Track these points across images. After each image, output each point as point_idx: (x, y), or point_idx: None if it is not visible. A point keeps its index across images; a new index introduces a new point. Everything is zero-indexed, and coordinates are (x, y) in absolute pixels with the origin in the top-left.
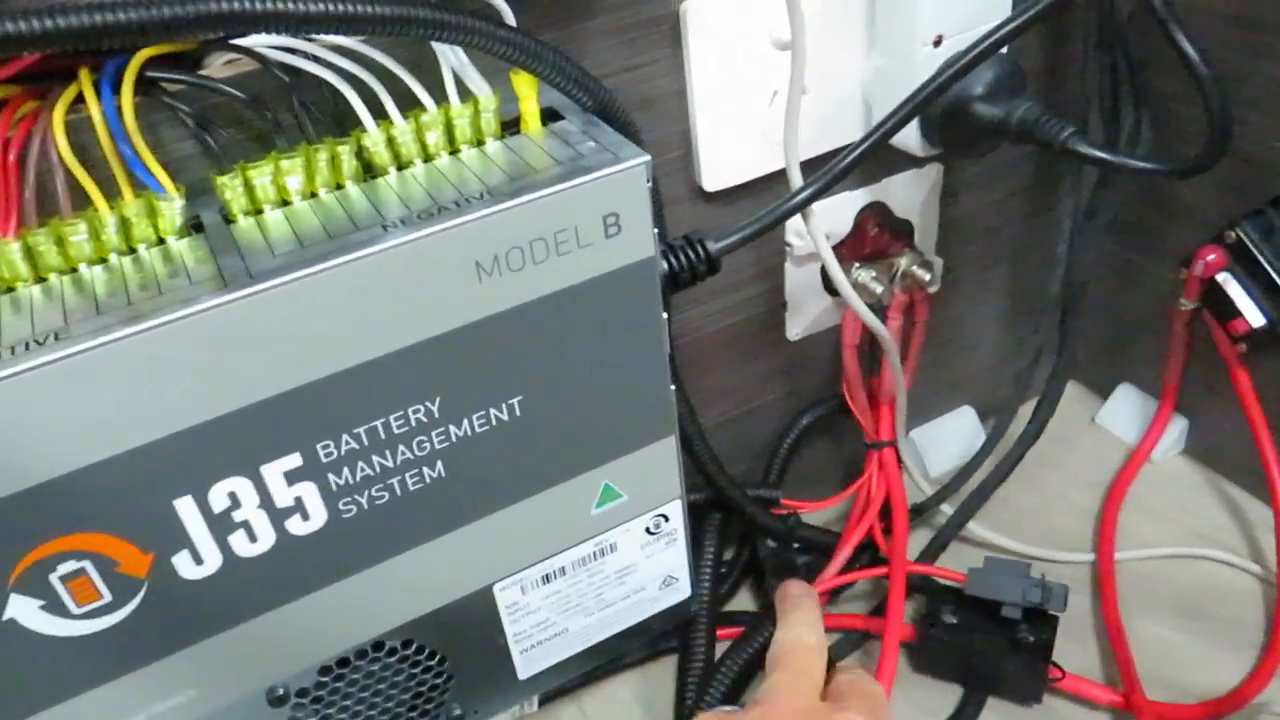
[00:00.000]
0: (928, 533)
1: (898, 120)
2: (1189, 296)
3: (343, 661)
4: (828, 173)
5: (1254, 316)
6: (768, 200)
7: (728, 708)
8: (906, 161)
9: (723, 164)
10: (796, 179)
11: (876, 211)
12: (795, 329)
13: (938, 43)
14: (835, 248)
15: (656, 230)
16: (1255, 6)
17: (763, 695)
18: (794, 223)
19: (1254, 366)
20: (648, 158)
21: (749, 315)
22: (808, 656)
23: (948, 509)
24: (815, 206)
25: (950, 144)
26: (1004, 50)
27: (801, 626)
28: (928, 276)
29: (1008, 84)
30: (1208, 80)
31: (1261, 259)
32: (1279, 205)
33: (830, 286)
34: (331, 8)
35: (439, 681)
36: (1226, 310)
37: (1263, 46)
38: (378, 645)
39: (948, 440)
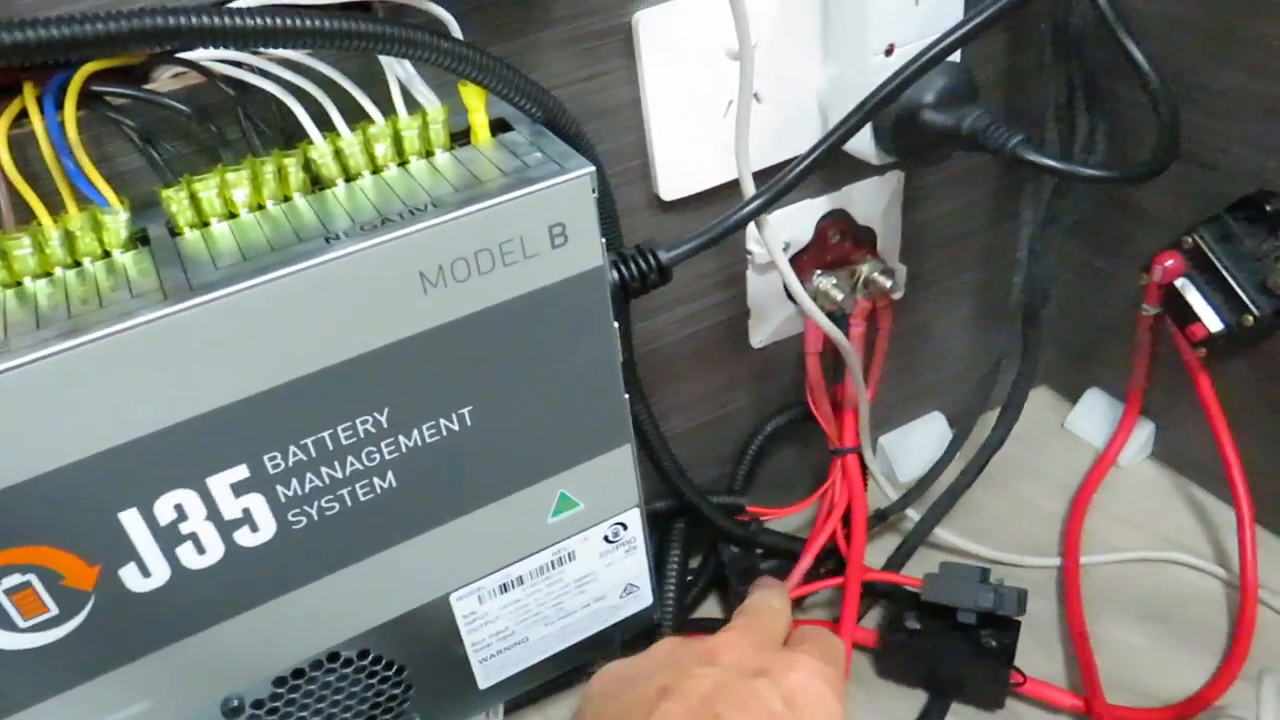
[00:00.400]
0: (895, 538)
1: (846, 130)
2: (1150, 302)
3: (298, 672)
4: (777, 183)
5: (1212, 322)
6: (726, 209)
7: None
8: (867, 169)
9: (679, 173)
10: (749, 188)
11: (838, 219)
12: (759, 337)
13: (889, 52)
14: (797, 255)
15: (607, 240)
16: (1212, 14)
17: (721, 631)
18: (754, 230)
19: (1215, 371)
20: (593, 168)
21: (712, 323)
22: (770, 613)
23: (914, 515)
24: (774, 215)
25: (904, 152)
26: (956, 60)
27: (768, 592)
28: (889, 284)
29: (959, 93)
30: (1157, 87)
31: (1219, 265)
32: (1236, 211)
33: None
34: (272, 22)
35: (398, 692)
36: (1186, 315)
37: (1219, 54)
38: (333, 656)
39: (918, 446)
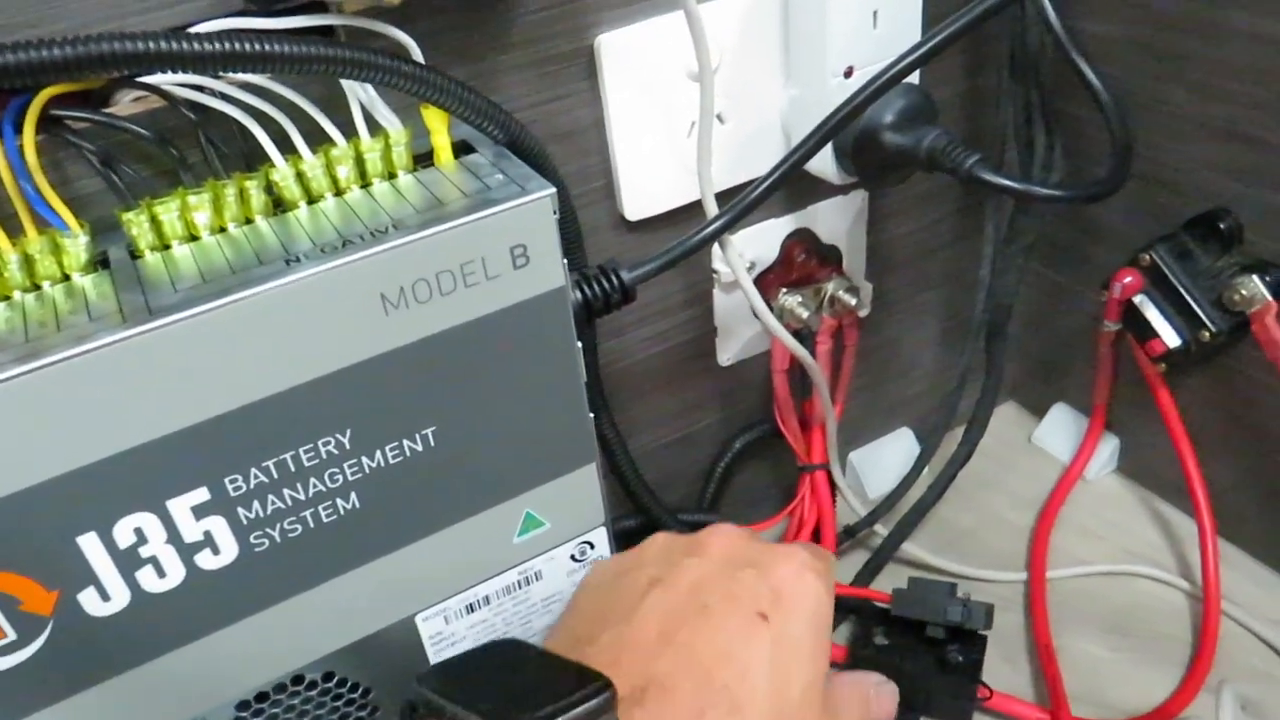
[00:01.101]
0: (865, 554)
1: (805, 150)
2: (1110, 318)
3: (261, 696)
4: (738, 204)
5: (1170, 338)
6: (692, 228)
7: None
8: (831, 189)
9: (644, 194)
10: (711, 208)
11: (804, 238)
12: (726, 354)
13: (849, 74)
14: (763, 274)
15: (570, 260)
16: (1164, 37)
17: (712, 526)
18: (720, 250)
19: (1176, 385)
20: (553, 190)
21: (680, 341)
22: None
23: (883, 530)
24: (739, 234)
25: (865, 172)
26: (915, 81)
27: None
28: (854, 301)
29: (917, 113)
30: (1110, 107)
31: (1175, 281)
32: (1192, 229)
33: None
34: (232, 47)
35: (364, 714)
36: (1144, 331)
37: (1173, 75)
38: (298, 679)
39: (887, 462)
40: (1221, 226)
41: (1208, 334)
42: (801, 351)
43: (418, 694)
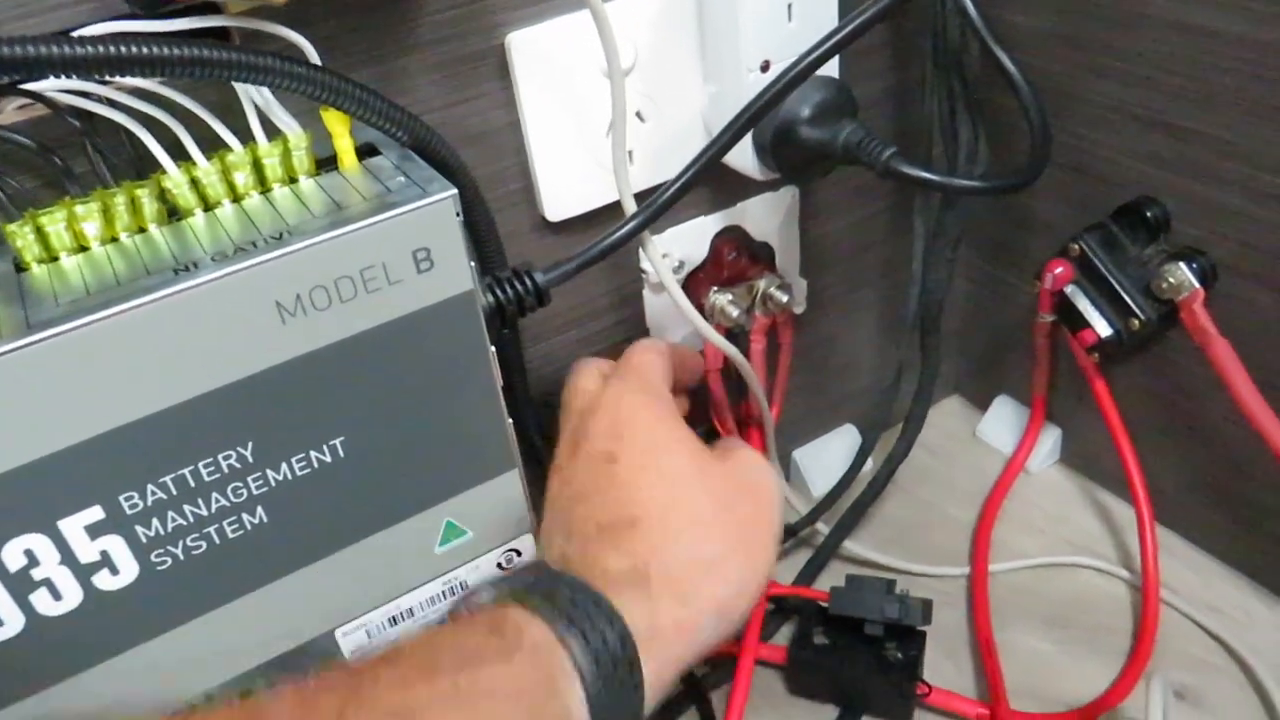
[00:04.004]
0: (809, 552)
1: (720, 146)
2: (1043, 310)
3: None
4: (653, 202)
5: (1102, 327)
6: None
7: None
8: (761, 185)
9: (564, 195)
10: (630, 207)
11: (734, 236)
12: None
13: (765, 68)
14: (693, 273)
15: (487, 263)
16: (1084, 28)
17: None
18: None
19: (1112, 375)
20: (454, 191)
21: (612, 343)
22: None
23: (824, 528)
24: (668, 233)
25: (785, 167)
26: (834, 75)
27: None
28: (786, 299)
29: (835, 107)
30: (1027, 97)
31: (1104, 271)
32: (1119, 218)
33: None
34: (118, 50)
35: None
36: (1077, 322)
37: (1095, 66)
38: (210, 699)
39: (831, 459)
40: (1148, 215)
41: (1137, 322)
42: (732, 350)
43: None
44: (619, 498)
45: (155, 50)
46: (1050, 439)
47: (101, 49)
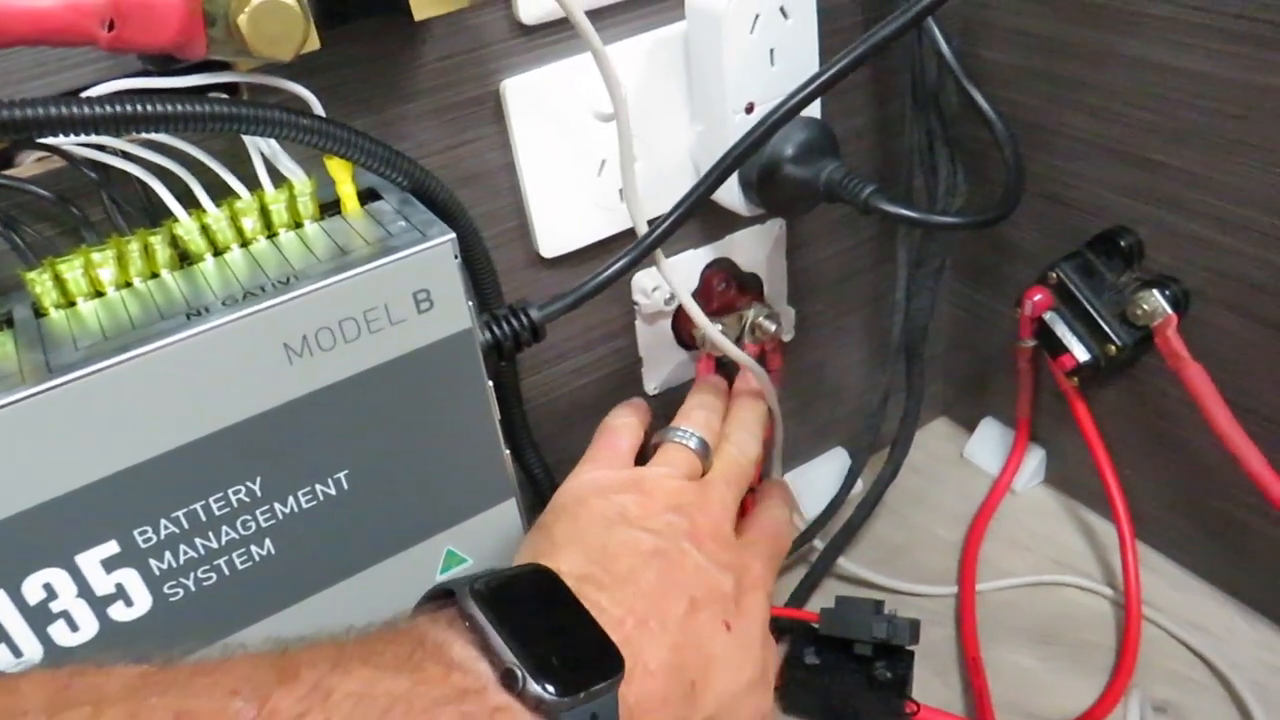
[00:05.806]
0: (801, 572)
1: (708, 185)
2: (1024, 335)
3: None
4: (644, 240)
5: (1080, 352)
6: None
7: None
8: (748, 218)
9: (558, 232)
10: (643, 229)
11: (723, 267)
12: (653, 383)
13: (750, 109)
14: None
15: (484, 300)
16: (1058, 65)
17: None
18: (639, 281)
19: (1092, 397)
20: (453, 235)
21: (606, 373)
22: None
23: (818, 544)
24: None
25: (771, 204)
26: (816, 115)
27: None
28: (774, 327)
29: (817, 147)
30: (1001, 132)
31: (1081, 298)
32: (1095, 247)
33: (682, 340)
34: (127, 109)
35: None
36: (1056, 347)
37: (1069, 101)
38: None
39: (821, 482)
40: (1122, 244)
41: (1114, 348)
42: (751, 363)
43: (464, 605)
44: None
45: (163, 108)
46: (1035, 460)
47: (109, 108)
